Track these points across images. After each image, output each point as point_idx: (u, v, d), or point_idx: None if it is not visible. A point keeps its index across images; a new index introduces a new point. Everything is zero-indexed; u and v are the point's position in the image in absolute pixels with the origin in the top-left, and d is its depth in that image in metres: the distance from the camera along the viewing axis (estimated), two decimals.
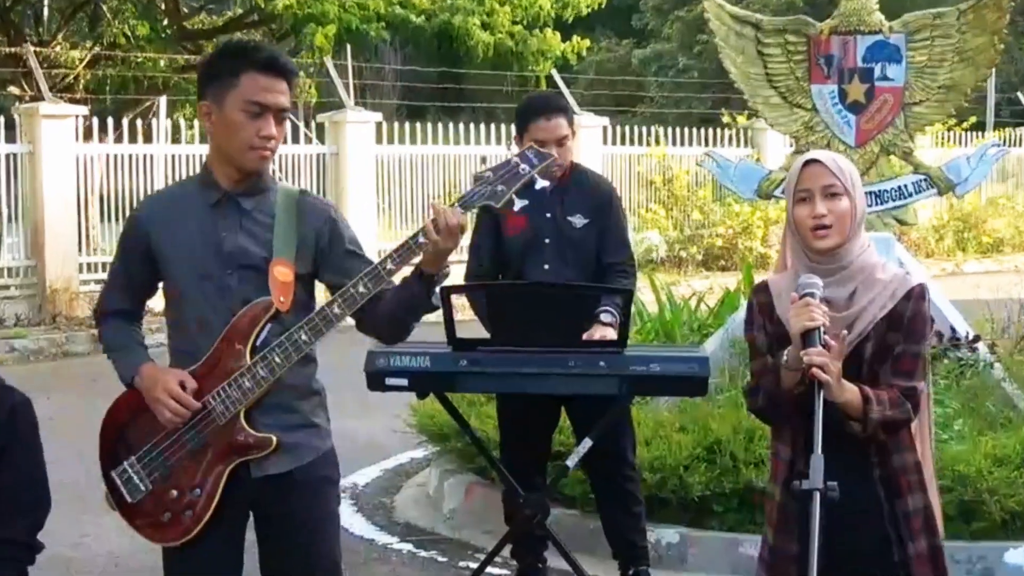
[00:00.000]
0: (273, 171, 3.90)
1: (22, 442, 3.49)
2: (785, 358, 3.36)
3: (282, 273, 3.65)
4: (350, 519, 7.44)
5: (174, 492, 3.64)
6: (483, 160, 18.21)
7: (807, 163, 3.54)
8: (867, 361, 3.43)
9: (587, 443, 5.64)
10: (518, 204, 3.61)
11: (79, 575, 6.32)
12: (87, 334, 13.77)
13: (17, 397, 3.53)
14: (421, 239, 3.50)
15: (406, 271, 3.64)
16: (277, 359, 3.57)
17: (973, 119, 22.28)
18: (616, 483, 5.89)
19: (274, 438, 3.61)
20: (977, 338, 7.52)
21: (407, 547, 6.95)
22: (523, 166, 3.59)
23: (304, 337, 3.57)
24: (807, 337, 3.29)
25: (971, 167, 7.60)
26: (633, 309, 8.37)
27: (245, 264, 3.66)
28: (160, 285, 3.83)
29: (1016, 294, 9.14)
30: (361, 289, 3.54)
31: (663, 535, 6.37)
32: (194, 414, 3.60)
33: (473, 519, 7.09)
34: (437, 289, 3.64)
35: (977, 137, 22.31)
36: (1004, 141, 22.38)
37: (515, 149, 3.73)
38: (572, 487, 6.41)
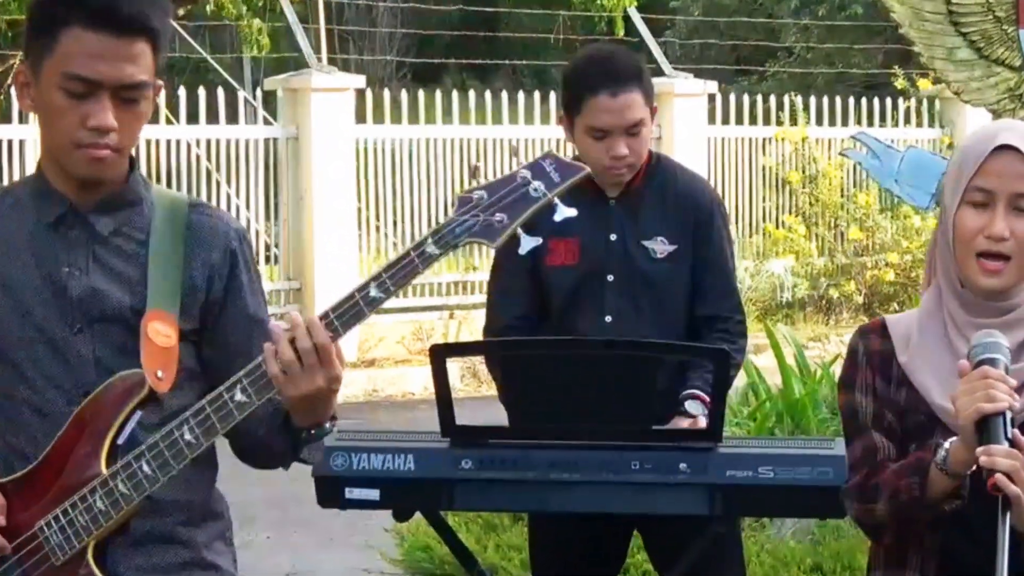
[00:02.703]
0: (139, 171, 3.79)
1: None
2: (944, 454, 3.30)
3: (160, 333, 3.55)
4: None
5: None
6: (513, 150, 18.24)
7: (997, 148, 3.47)
8: None
9: None
10: (527, 243, 3.37)
11: None
12: None
13: None
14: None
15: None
16: (146, 469, 3.45)
17: None
18: None
19: None
20: None
21: None
22: (535, 184, 3.34)
23: (188, 437, 3.44)
24: (984, 428, 3.22)
25: None
26: (744, 381, 8.40)
27: (101, 317, 3.59)
28: None
29: None
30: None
31: None
32: (18, 547, 3.53)
33: None
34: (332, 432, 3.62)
35: None
36: None
37: (522, 162, 3.58)
38: None
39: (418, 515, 5.69)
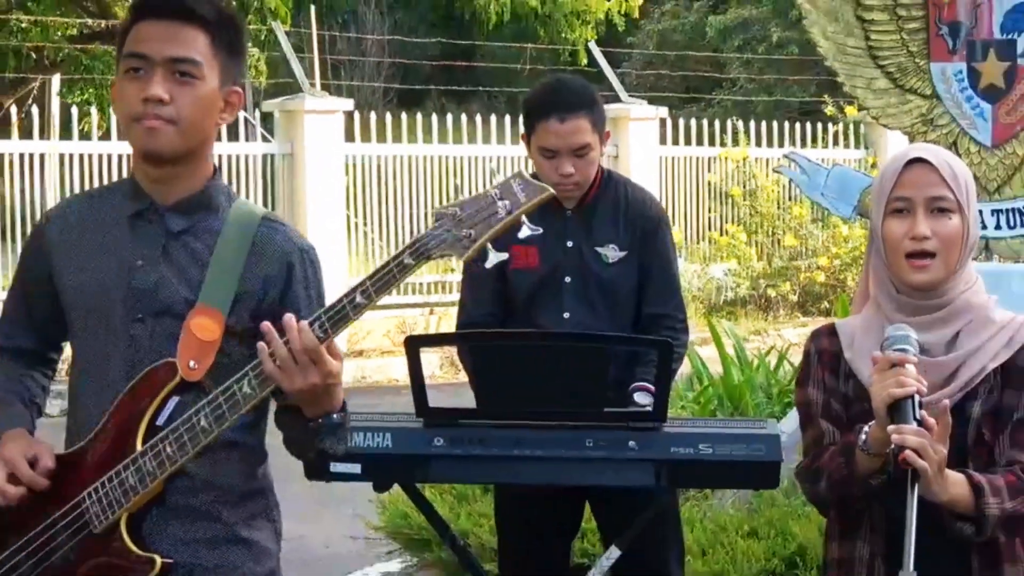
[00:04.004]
0: (224, 182, 3.78)
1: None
2: (864, 436, 3.31)
3: (204, 327, 3.50)
4: None
5: None
6: (493, 171, 18.21)
7: (910, 162, 3.49)
8: (974, 425, 3.39)
9: (614, 553, 5.60)
10: (493, 258, 3.34)
11: None
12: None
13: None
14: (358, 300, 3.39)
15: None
16: (168, 450, 3.40)
17: None
18: None
19: (158, 559, 3.45)
20: None
21: None
22: (503, 202, 3.30)
23: (204, 423, 3.39)
24: (896, 410, 3.23)
25: None
26: (689, 369, 8.41)
27: (159, 307, 3.56)
28: None
29: None
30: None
31: None
32: (64, 513, 3.50)
33: None
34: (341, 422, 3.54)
35: None
36: None
37: (500, 177, 3.57)
38: None
39: (397, 486, 5.70)
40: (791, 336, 13.22)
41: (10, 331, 3.79)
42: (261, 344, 3.31)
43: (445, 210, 3.37)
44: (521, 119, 5.86)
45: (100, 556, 3.48)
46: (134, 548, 3.47)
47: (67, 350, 3.86)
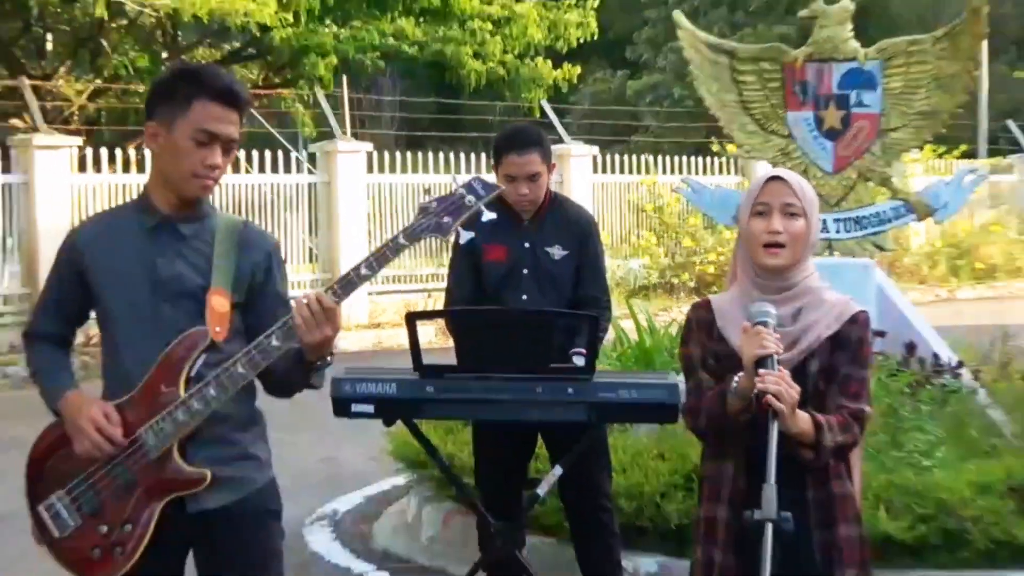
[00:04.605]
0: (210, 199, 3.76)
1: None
2: (735, 384, 3.27)
3: (219, 303, 3.50)
4: (328, 546, 7.36)
5: (104, 528, 3.45)
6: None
7: (770, 179, 3.48)
8: (812, 379, 3.36)
9: (557, 471, 5.54)
10: (464, 236, 3.47)
11: None
12: (79, 361, 13.61)
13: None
14: (363, 271, 3.40)
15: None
16: (212, 392, 3.40)
17: (964, 147, 22.26)
18: (590, 513, 5.78)
19: (208, 473, 3.45)
20: (960, 364, 7.41)
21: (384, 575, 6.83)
22: (469, 197, 3.45)
23: (241, 370, 3.40)
24: (760, 364, 3.20)
25: (950, 194, 7.55)
26: (613, 336, 8.33)
27: (180, 292, 3.50)
28: (92, 312, 3.67)
29: (1009, 320, 9.06)
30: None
31: (641, 564, 6.23)
32: (125, 447, 3.44)
33: (451, 547, 6.96)
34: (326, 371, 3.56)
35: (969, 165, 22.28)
36: (995, 169, 22.36)
37: (460, 179, 3.58)
38: (550, 516, 6.28)
39: (400, 422, 5.63)
40: (687, 312, 13.14)
41: (45, 322, 3.71)
42: (296, 303, 3.36)
43: (427, 204, 3.49)
44: (492, 154, 5.83)
45: (158, 475, 3.44)
46: (187, 467, 3.45)
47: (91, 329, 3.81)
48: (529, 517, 5.91)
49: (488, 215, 3.51)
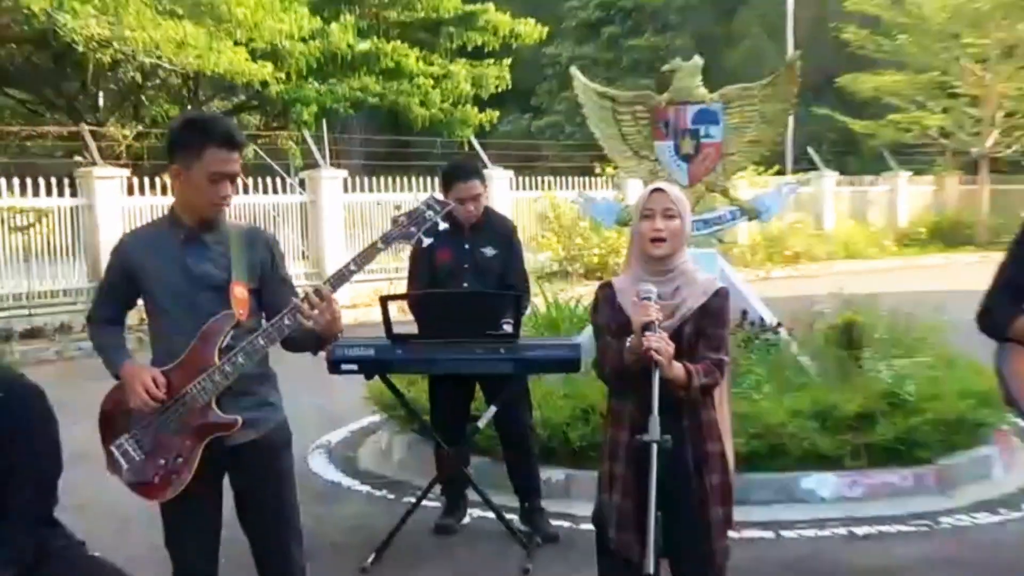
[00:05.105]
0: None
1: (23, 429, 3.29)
2: (629, 343, 3.23)
3: (240, 292, 3.44)
4: (324, 467, 7.28)
5: (161, 460, 3.41)
6: (411, 197, 18.05)
7: (654, 190, 3.43)
8: (686, 338, 3.32)
9: (492, 409, 5.55)
10: (426, 241, 3.49)
11: (96, 519, 5.76)
12: (134, 337, 13.37)
13: (18, 389, 3.34)
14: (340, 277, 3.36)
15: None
16: (240, 359, 3.35)
17: (777, 167, 22.48)
18: (516, 439, 5.78)
19: (239, 419, 3.41)
20: (779, 325, 7.48)
21: (366, 488, 6.78)
22: (428, 212, 3.44)
23: (261, 342, 3.36)
24: (646, 328, 3.17)
25: (772, 201, 7.60)
26: (530, 311, 8.32)
27: (210, 285, 3.44)
28: (140, 301, 3.59)
29: (808, 292, 9.13)
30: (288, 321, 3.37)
31: (552, 475, 6.23)
32: (175, 400, 3.39)
33: (415, 467, 6.93)
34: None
35: (777, 179, 22.50)
36: (800, 183, 22.57)
37: (421, 196, 3.58)
38: (487, 442, 6.26)
39: (377, 377, 5.59)
40: (580, 291, 13.12)
41: (103, 309, 3.62)
42: (305, 296, 3.31)
43: (397, 217, 3.48)
44: (440, 181, 5.80)
45: (202, 420, 3.39)
46: (222, 415, 3.40)
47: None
48: (472, 443, 5.91)
49: (443, 225, 3.55)
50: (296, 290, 3.53)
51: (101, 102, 22.92)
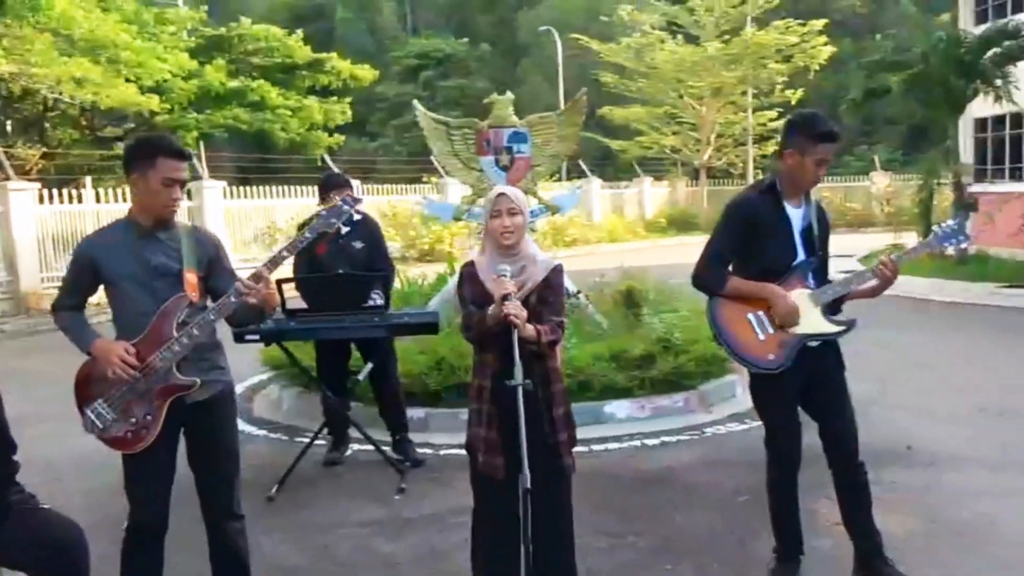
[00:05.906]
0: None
1: None
2: (491, 311, 3.16)
3: (191, 278, 3.21)
4: None
5: (133, 419, 3.16)
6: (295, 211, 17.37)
7: (499, 194, 3.32)
8: (532, 306, 3.25)
9: (369, 366, 5.41)
10: (344, 230, 3.35)
11: (62, 469, 5.36)
12: (49, 320, 12.36)
13: None
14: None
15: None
16: (195, 332, 3.14)
17: (556, 175, 22.80)
18: (385, 386, 5.63)
19: (198, 380, 3.19)
20: (579, 292, 7.58)
21: (263, 432, 6.45)
22: (344, 207, 3.30)
23: (211, 317, 3.15)
24: (504, 299, 3.09)
25: (567, 200, 7.70)
26: (399, 287, 8.10)
27: (166, 273, 3.20)
28: (100, 289, 3.29)
29: (590, 268, 9.26)
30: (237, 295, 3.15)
31: (415, 413, 6.08)
32: (142, 368, 3.14)
33: (302, 414, 6.65)
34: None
35: (561, 184, 22.86)
36: (578, 187, 23.06)
37: (340, 198, 3.40)
38: (363, 391, 6.08)
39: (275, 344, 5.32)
40: (415, 272, 12.92)
41: (67, 299, 3.31)
42: (241, 280, 3.11)
43: (320, 212, 3.30)
44: (318, 190, 5.54)
45: (165, 384, 3.15)
46: (183, 377, 3.17)
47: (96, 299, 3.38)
48: (351, 392, 5.72)
49: (357, 216, 3.41)
50: (235, 274, 3.31)
51: (9, 128, 21.21)
